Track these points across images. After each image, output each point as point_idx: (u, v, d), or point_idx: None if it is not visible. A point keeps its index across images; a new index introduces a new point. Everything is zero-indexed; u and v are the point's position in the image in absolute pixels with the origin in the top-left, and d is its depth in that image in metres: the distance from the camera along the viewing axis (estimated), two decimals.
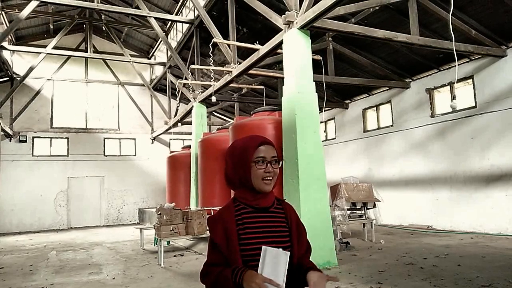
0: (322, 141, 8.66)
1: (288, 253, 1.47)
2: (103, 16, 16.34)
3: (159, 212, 7.97)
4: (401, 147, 11.90)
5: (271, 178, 1.63)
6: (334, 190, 8.99)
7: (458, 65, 9.65)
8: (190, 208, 10.02)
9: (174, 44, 15.22)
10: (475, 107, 9.72)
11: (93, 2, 12.72)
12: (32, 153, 16.34)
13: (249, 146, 1.65)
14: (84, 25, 16.94)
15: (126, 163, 17.95)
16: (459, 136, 10.07)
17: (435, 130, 10.78)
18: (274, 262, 1.45)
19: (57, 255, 9.29)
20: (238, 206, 1.67)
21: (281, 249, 1.48)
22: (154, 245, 9.38)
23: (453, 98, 9.32)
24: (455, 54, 6.58)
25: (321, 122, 14.62)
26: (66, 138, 17.06)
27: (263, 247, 1.50)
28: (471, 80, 9.89)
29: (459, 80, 10.05)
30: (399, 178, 11.89)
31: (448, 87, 10.54)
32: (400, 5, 8.55)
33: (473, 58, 9.76)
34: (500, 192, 9.04)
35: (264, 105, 11.18)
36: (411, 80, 11.68)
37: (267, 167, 1.63)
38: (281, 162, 1.70)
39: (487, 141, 9.38)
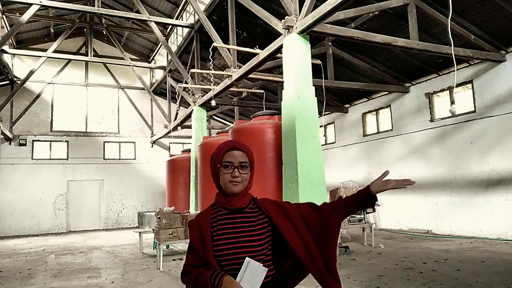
0: (322, 145, 8.65)
1: (266, 269, 1.58)
2: (103, 20, 16.40)
3: (158, 216, 7.96)
4: (401, 151, 11.91)
5: (238, 182, 1.67)
6: (334, 194, 8.99)
7: (458, 69, 9.69)
8: (189, 212, 10.01)
9: (174, 48, 15.26)
10: (474, 111, 9.74)
11: (93, 6, 12.77)
12: (32, 156, 16.33)
13: (219, 151, 1.73)
14: (85, 29, 16.99)
15: (125, 166, 17.94)
16: (459, 141, 10.08)
17: (434, 135, 10.79)
18: (253, 274, 1.56)
19: (55, 258, 9.27)
20: (216, 209, 1.75)
21: (261, 265, 1.58)
22: (153, 249, 9.36)
23: (452, 102, 9.36)
24: (454, 59, 6.60)
25: (321, 126, 14.65)
26: (66, 141, 17.06)
27: (247, 258, 1.58)
28: (470, 84, 9.92)
29: (458, 85, 10.08)
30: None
31: (448, 91, 10.56)
32: (399, 10, 8.59)
33: (472, 63, 9.79)
34: (499, 196, 9.04)
35: (264, 109, 11.20)
36: (410, 84, 11.71)
37: (234, 172, 1.67)
38: (252, 168, 1.73)
39: (487, 146, 9.38)
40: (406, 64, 10.96)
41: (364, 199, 1.77)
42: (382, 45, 7.96)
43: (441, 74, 10.74)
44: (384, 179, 1.77)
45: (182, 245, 9.97)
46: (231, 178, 1.66)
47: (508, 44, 9.00)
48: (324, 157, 7.79)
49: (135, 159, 18.25)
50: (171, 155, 16.57)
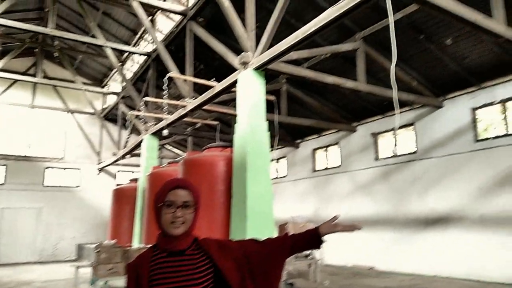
0: (273, 178, 8.78)
1: None
2: (56, 42, 15.90)
3: (98, 250, 7.51)
4: (348, 188, 12.28)
5: (180, 223, 1.61)
6: (282, 229, 9.00)
7: (401, 112, 10.34)
8: (131, 246, 9.55)
9: (130, 75, 15.03)
10: (415, 152, 10.34)
11: (46, 27, 12.39)
12: None
13: (163, 189, 1.66)
14: (36, 50, 16.35)
15: (68, 194, 16.94)
16: (401, 180, 10.59)
17: (379, 173, 11.27)
18: None
19: None
20: (156, 251, 1.67)
21: None
22: (90, 285, 8.74)
23: (395, 144, 9.89)
24: (396, 103, 7.02)
25: (273, 160, 14.83)
26: (4, 165, 15.91)
27: None
28: (412, 127, 10.58)
29: (401, 127, 10.72)
30: (345, 219, 11.77)
31: (392, 132, 11.18)
32: (349, 54, 9.11)
33: (415, 107, 10.49)
34: (436, 234, 9.49)
35: (218, 140, 11.17)
36: (358, 124, 12.28)
37: (176, 212, 1.60)
38: (196, 208, 1.67)
39: (426, 186, 9.93)
40: (354, 105, 11.53)
41: (312, 240, 1.78)
42: (332, 86, 8.36)
43: (386, 115, 11.38)
44: (333, 223, 1.81)
45: (122, 282, 9.41)
46: (173, 218, 1.60)
47: (445, 91, 9.78)
48: (275, 190, 7.85)
49: (79, 186, 17.32)
50: (117, 184, 15.92)
